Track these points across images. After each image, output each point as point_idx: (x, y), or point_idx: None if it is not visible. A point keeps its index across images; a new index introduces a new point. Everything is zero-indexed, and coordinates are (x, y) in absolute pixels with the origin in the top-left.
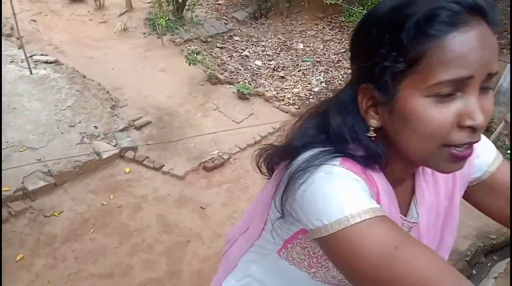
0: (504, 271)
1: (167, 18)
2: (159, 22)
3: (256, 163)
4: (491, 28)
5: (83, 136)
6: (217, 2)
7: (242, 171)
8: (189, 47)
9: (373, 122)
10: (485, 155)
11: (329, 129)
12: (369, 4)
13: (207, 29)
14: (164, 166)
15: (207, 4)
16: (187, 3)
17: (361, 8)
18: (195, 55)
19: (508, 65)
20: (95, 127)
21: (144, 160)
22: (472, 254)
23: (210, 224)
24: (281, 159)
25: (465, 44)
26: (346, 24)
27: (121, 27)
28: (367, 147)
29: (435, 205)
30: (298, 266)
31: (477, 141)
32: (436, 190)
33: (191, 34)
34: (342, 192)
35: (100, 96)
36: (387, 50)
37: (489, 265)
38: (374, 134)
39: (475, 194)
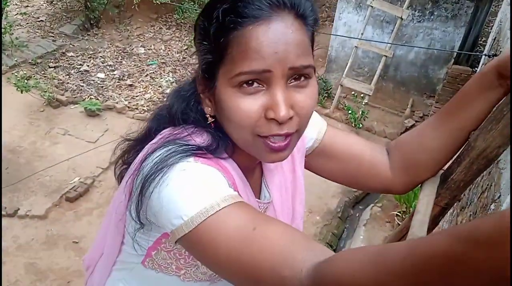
0: (370, 217)
1: None
2: None
3: (116, 175)
4: (301, 20)
5: None
6: (38, 19)
7: (111, 191)
8: (16, 74)
9: (207, 110)
10: (312, 126)
11: (176, 114)
12: None
13: (33, 50)
14: (19, 209)
15: (27, 23)
16: (1, 26)
17: (192, 3)
18: (26, 80)
19: (332, 37)
20: None
21: None
22: (342, 209)
23: None
24: (135, 151)
25: (260, 38)
26: (182, 21)
27: None
28: (210, 133)
29: (283, 181)
30: (166, 271)
31: (287, 134)
32: (280, 167)
33: (16, 59)
34: (199, 185)
35: None
36: (201, 41)
37: (357, 215)
38: (212, 120)
39: (312, 162)
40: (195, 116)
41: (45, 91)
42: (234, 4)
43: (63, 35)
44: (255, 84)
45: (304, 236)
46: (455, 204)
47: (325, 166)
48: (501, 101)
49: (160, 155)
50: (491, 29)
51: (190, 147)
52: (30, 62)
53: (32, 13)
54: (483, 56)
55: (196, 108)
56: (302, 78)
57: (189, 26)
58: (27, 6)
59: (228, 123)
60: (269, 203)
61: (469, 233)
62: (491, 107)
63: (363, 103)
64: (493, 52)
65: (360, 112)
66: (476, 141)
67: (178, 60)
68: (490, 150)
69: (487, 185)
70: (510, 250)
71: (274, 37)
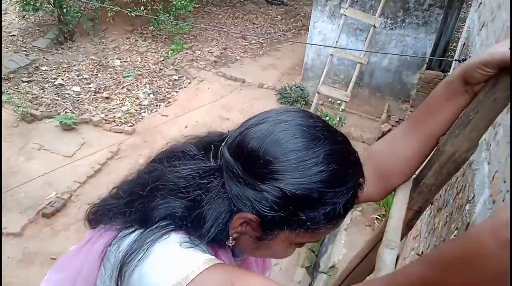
0: (350, 221)
1: None
2: None
3: (88, 219)
4: None
5: None
6: (11, 34)
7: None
8: None
9: (235, 236)
10: None
11: (199, 219)
12: (174, 10)
13: (6, 65)
14: None
15: None
16: (1, 29)
17: (167, 15)
18: None
19: (307, 46)
20: None
21: None
22: None
23: None
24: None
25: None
26: (158, 32)
27: None
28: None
29: None
30: None
31: None
32: None
33: None
34: (178, 255)
35: None
36: (295, 215)
37: None
38: (233, 243)
39: None
40: (221, 227)
41: (19, 107)
42: (345, 204)
43: (36, 49)
44: None
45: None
46: (431, 206)
47: None
48: (467, 107)
49: (137, 234)
50: (461, 35)
51: (169, 226)
52: (3, 78)
53: (4, 28)
54: (454, 61)
55: (224, 226)
56: None
57: (165, 38)
58: None
59: (264, 254)
60: (244, 259)
61: (438, 257)
62: (459, 113)
63: (340, 109)
64: (463, 57)
65: (338, 119)
66: (445, 146)
67: (155, 72)
68: (459, 154)
69: (462, 186)
70: (478, 271)
71: None
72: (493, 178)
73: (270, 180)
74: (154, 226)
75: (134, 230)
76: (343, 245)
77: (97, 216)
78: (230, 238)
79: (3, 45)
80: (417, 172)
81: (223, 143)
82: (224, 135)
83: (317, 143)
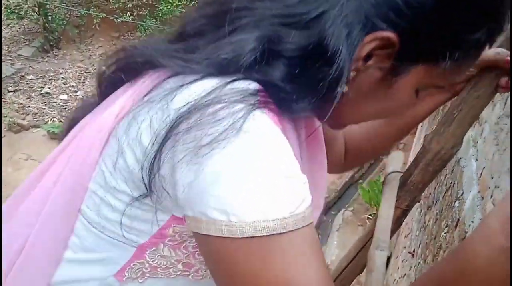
0: (342, 221)
1: None
2: None
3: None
4: None
5: None
6: None
7: None
8: None
9: (353, 75)
10: None
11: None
12: (160, 15)
13: None
14: None
15: None
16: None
17: (154, 20)
18: None
19: None
20: None
21: None
22: None
23: None
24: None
25: None
26: (145, 38)
27: None
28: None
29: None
30: (164, 274)
31: None
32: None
33: None
34: (278, 178)
35: None
36: (454, 33)
37: (330, 220)
38: (346, 89)
39: None
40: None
41: (5, 117)
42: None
43: (21, 58)
44: None
45: None
46: (421, 204)
47: None
48: (450, 105)
49: (210, 85)
50: None
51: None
52: None
53: None
54: None
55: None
56: None
57: None
58: None
59: (371, 107)
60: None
61: (437, 278)
62: (437, 108)
63: None
64: None
65: None
66: (430, 144)
67: None
68: (444, 151)
69: (451, 183)
70: (481, 282)
71: None
72: (481, 174)
73: None
74: (239, 75)
75: (202, 77)
76: (336, 245)
77: (136, 59)
78: (345, 80)
79: None
80: (404, 170)
81: None
82: None
83: None
